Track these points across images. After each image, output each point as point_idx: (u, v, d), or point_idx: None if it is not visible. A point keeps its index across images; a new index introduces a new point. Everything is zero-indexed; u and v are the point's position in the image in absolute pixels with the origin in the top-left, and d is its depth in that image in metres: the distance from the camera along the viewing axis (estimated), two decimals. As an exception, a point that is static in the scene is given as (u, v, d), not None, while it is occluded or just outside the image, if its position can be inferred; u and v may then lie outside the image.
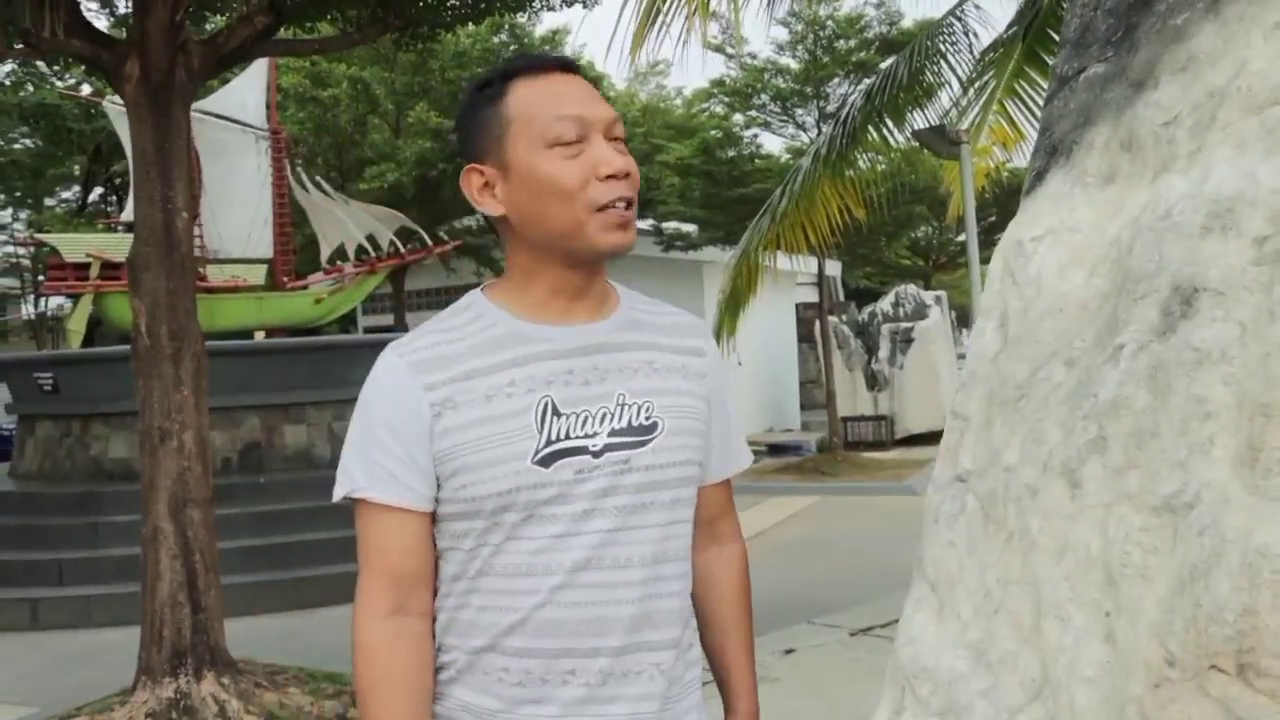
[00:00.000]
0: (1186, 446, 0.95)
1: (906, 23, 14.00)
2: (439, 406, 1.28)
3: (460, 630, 1.32)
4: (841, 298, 24.01)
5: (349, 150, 13.88)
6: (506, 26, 14.20)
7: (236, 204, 10.50)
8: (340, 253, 12.23)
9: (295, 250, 11.92)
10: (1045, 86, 8.85)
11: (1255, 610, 0.83)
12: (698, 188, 15.72)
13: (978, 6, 7.00)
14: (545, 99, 1.30)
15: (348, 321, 17.62)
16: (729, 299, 8.57)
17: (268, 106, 11.29)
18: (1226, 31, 1.20)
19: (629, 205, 1.29)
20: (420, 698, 1.30)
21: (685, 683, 1.36)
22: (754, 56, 14.95)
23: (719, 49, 14.67)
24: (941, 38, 6.94)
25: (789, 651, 4.93)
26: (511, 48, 15.74)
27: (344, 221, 11.75)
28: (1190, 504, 0.93)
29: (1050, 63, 8.25)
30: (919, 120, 7.80)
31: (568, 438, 1.28)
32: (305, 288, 12.20)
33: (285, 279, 11.56)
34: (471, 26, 10.29)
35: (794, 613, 5.66)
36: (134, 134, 4.67)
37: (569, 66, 1.36)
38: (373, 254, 12.29)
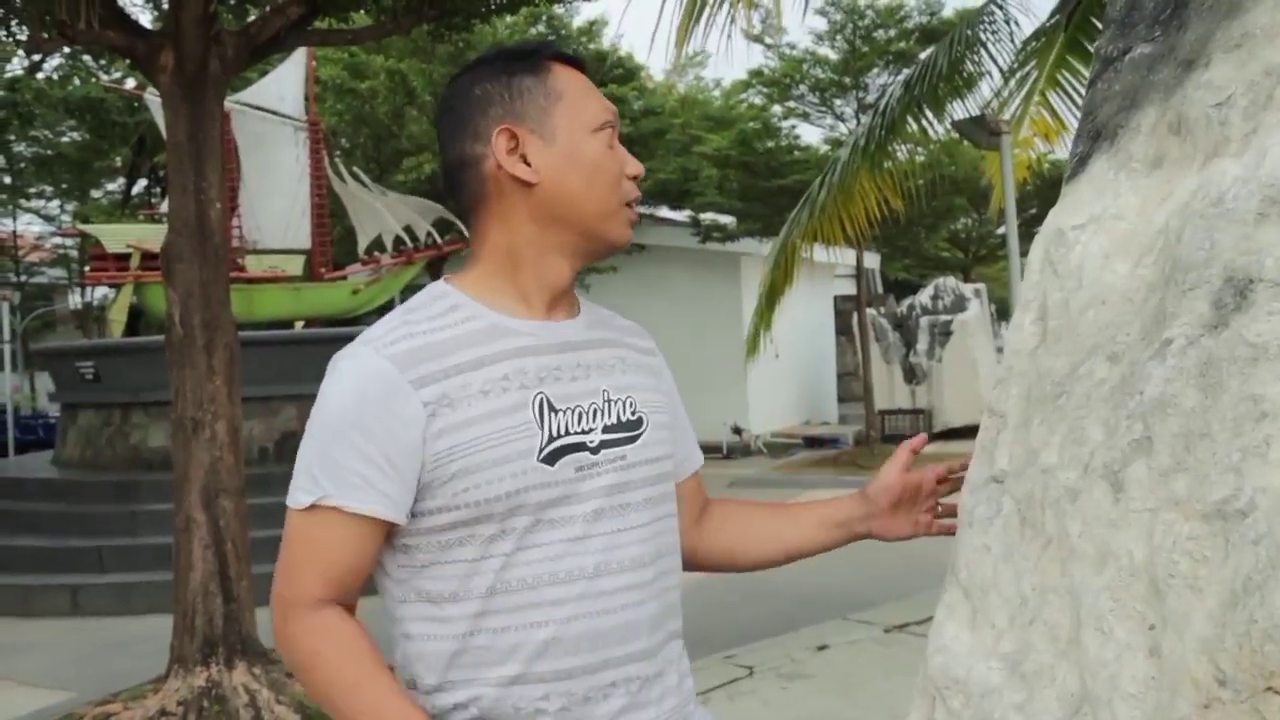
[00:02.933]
0: (1240, 449, 0.89)
1: (946, 12, 13.82)
2: (433, 405, 1.19)
3: (476, 660, 1.20)
4: (880, 290, 23.80)
5: (387, 142, 13.91)
6: (544, 17, 14.17)
7: (275, 195, 10.56)
8: (378, 243, 12.27)
9: (333, 241, 11.97)
10: (1088, 76, 8.69)
11: (1315, 627, 0.77)
12: (735, 179, 15.62)
13: (1020, -7, 6.85)
14: (586, 88, 1.33)
15: (384, 312, 17.71)
16: (768, 291, 8.50)
17: (306, 98, 11.35)
18: (1286, 4, 1.13)
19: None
20: (381, 660, 1.20)
21: (686, 671, 1.36)
22: (793, 47, 14.83)
23: (758, 39, 14.56)
24: (982, 26, 6.81)
25: (822, 648, 4.86)
26: (549, 39, 15.74)
27: (381, 213, 11.79)
28: (1244, 511, 0.87)
29: (1092, 52, 8.09)
30: (959, 111, 7.67)
31: (567, 433, 1.23)
32: (343, 278, 12.26)
33: (323, 270, 11.62)
34: (509, 17, 10.26)
35: (829, 608, 5.59)
36: (168, 125, 4.69)
37: (581, 67, 1.37)
38: (410, 245, 12.32)
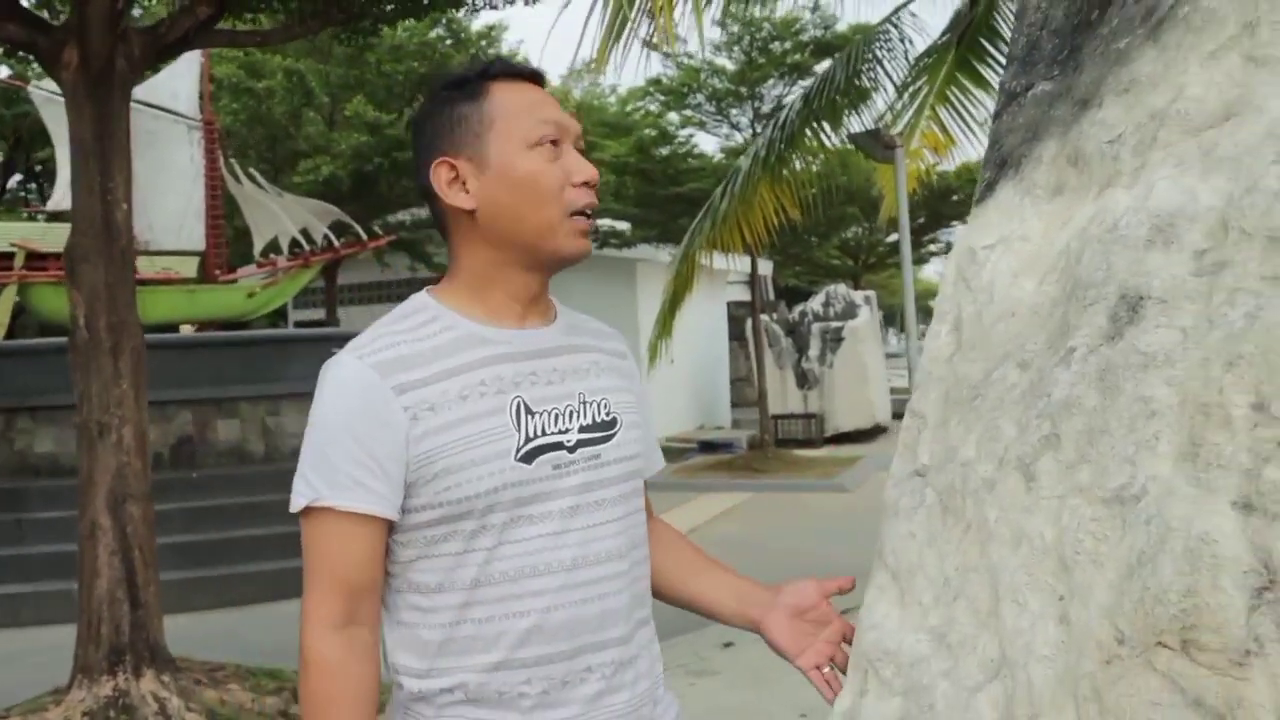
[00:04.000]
0: (1134, 443, 1.03)
1: (841, 26, 14.24)
2: (414, 409, 1.27)
3: (462, 648, 1.29)
4: (772, 297, 24.30)
5: (283, 142, 13.70)
6: (444, 21, 14.12)
7: (168, 195, 10.30)
8: (273, 246, 12.07)
9: (228, 243, 11.73)
10: (975, 93, 9.10)
11: (1197, 591, 0.92)
12: (632, 186, 15.81)
13: (913, 14, 7.17)
14: (526, 102, 1.35)
15: (277, 316, 17.38)
16: (670, 299, 8.67)
17: (201, 97, 11.10)
18: (1165, 57, 1.28)
19: (592, 215, 1.36)
20: (371, 712, 1.28)
21: (657, 655, 1.45)
22: (690, 56, 15.10)
23: (655, 47, 14.76)
24: (878, 44, 7.09)
25: (728, 645, 5.02)
26: (447, 42, 15.67)
27: (278, 214, 11.60)
28: (1137, 496, 1.01)
29: (980, 70, 8.48)
30: (854, 124, 7.97)
31: (544, 434, 1.32)
32: (235, 281, 12.01)
33: (218, 272, 11.37)
34: (410, 21, 10.21)
35: (732, 607, 5.75)
36: (72, 123, 4.60)
37: (540, 78, 1.40)
38: (306, 248, 12.15)
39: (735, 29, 13.91)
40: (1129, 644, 0.97)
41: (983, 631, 1.13)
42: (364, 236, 12.67)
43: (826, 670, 1.46)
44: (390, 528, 1.31)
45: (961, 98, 8.28)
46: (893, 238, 24.42)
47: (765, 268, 21.70)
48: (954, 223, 24.23)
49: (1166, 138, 1.23)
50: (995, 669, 1.10)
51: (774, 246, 13.04)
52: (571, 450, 1.33)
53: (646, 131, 15.66)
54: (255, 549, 8.08)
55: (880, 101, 7.64)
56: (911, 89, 8.25)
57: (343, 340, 8.33)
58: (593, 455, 1.35)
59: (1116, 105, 1.33)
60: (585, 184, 1.35)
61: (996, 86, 8.49)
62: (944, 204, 21.76)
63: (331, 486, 1.26)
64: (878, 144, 6.70)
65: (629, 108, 21.15)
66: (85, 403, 4.51)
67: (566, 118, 1.37)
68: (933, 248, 27.59)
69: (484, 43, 16.12)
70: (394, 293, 18.51)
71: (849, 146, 8.09)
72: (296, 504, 1.29)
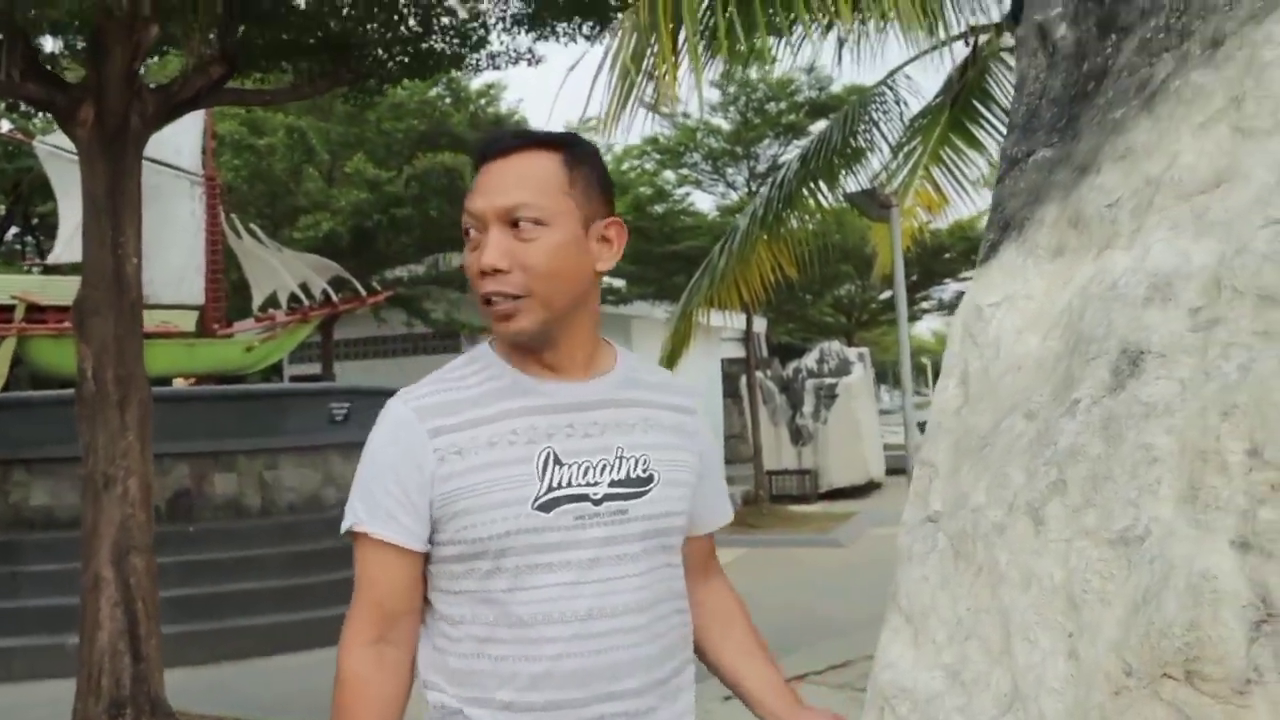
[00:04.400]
0: (1136, 488, 1.10)
1: (835, 88, 14.51)
2: (443, 451, 1.35)
3: (478, 682, 1.35)
4: (765, 353, 24.42)
5: (283, 198, 13.86)
6: (444, 80, 14.36)
7: (170, 249, 10.41)
8: (272, 300, 12.16)
9: (226, 297, 11.83)
10: (968, 153, 9.28)
11: (1199, 625, 0.98)
12: (629, 243, 15.97)
13: (908, 77, 7.35)
14: (472, 192, 1.38)
15: (273, 370, 17.42)
16: (668, 356, 8.76)
17: (203, 152, 11.25)
18: (1159, 127, 1.37)
19: (509, 298, 1.33)
20: None
21: (684, 710, 1.45)
22: (687, 116, 15.37)
23: (655, 109, 15.03)
24: (874, 105, 7.26)
25: (728, 698, 5.02)
26: (447, 100, 15.92)
27: (277, 269, 11.71)
28: (1141, 537, 1.08)
29: (973, 130, 8.66)
30: (850, 184, 8.11)
31: (569, 485, 1.35)
32: (231, 335, 12.08)
33: (216, 325, 11.45)
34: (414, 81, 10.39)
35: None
36: (85, 178, 4.69)
37: (505, 150, 1.38)
38: (305, 302, 12.24)
39: (732, 89, 14.18)
40: (1136, 676, 1.02)
41: (995, 668, 1.19)
42: (362, 292, 12.79)
43: None
44: (426, 558, 1.39)
45: (955, 157, 8.44)
46: (885, 295, 24.61)
47: (759, 325, 21.84)
48: (946, 280, 24.46)
49: (1161, 202, 1.31)
50: (1008, 703, 1.16)
51: (769, 304, 13.19)
52: (597, 503, 1.36)
53: (642, 190, 15.87)
54: (251, 603, 8.05)
55: (876, 161, 7.81)
56: (906, 149, 8.42)
57: (340, 395, 8.35)
58: (619, 510, 1.37)
59: (1114, 171, 1.42)
60: (483, 273, 1.34)
61: (988, 147, 8.67)
62: (936, 261, 22.00)
63: (371, 515, 1.37)
64: (874, 203, 6.83)
65: (624, 166, 21.45)
66: (91, 454, 4.55)
67: (495, 198, 1.34)
68: (925, 305, 27.79)
69: (483, 100, 16.38)
70: (390, 348, 18.57)
71: (845, 205, 8.23)
72: (344, 526, 1.40)
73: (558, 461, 1.36)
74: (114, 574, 4.44)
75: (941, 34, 6.61)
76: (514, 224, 1.34)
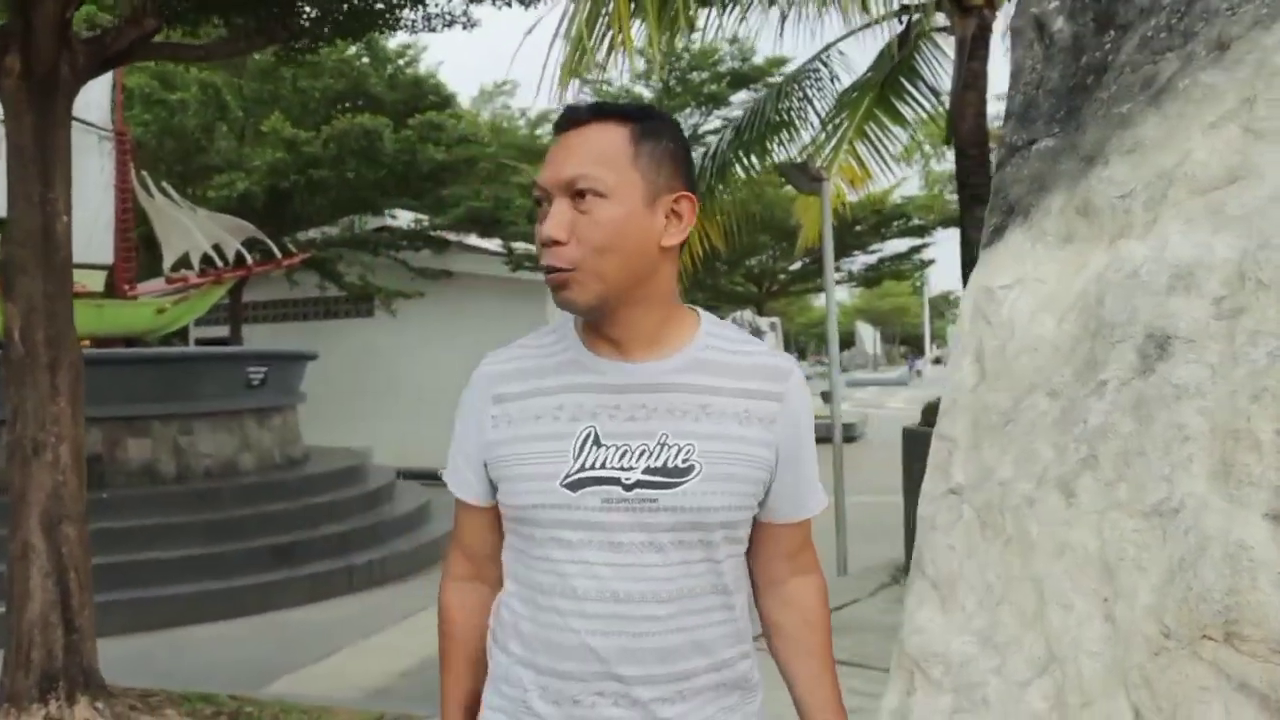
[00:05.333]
0: (1169, 464, 1.18)
1: (758, 59, 14.61)
2: (497, 418, 1.43)
3: (505, 632, 1.45)
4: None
5: (195, 156, 13.42)
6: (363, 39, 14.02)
7: (77, 206, 9.99)
8: (184, 261, 11.80)
9: (137, 256, 11.43)
10: (893, 129, 9.48)
11: (1238, 591, 1.06)
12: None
13: (841, 53, 7.46)
14: (543, 164, 1.40)
15: (176, 333, 16.95)
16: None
17: (113, 106, 10.82)
18: (1168, 124, 1.45)
19: (565, 270, 1.33)
20: (470, 648, 1.53)
21: (710, 711, 1.42)
22: (609, 84, 15.30)
23: (576, 74, 14.93)
24: (808, 80, 7.36)
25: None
26: (363, 59, 15.57)
27: (190, 229, 11.36)
28: (1175, 510, 1.16)
29: (899, 107, 8.84)
30: (779, 156, 8.22)
31: (603, 467, 1.36)
32: (135, 297, 11.69)
33: (126, 286, 11.06)
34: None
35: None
36: (11, 131, 4.50)
37: (577, 121, 1.38)
38: (219, 264, 11.91)
39: (641, 62, 14.18)
40: (1175, 638, 1.11)
41: (1028, 632, 1.27)
42: (278, 254, 12.48)
43: None
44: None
45: (879, 133, 8.62)
46: (795, 266, 24.96)
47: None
48: (856, 252, 24.91)
49: (1176, 196, 1.39)
50: (1043, 665, 1.24)
51: (694, 275, 13.28)
52: (627, 488, 1.35)
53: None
54: (168, 571, 7.87)
55: (806, 135, 7.92)
56: (832, 123, 8.56)
57: (257, 359, 8.15)
58: (649, 499, 1.35)
59: (1123, 164, 1.49)
60: (542, 243, 1.36)
61: (912, 123, 8.81)
62: (848, 234, 22.38)
63: (451, 473, 1.52)
64: (805, 176, 6.94)
65: (538, 131, 21.27)
66: (19, 419, 4.39)
67: (554, 169, 1.36)
68: (836, 276, 28.27)
69: (401, 61, 16.06)
70: (301, 311, 18.18)
71: (774, 177, 8.33)
72: (445, 473, 1.54)
73: (596, 442, 1.37)
74: (45, 543, 4.30)
75: (877, 11, 6.74)
76: (577, 195, 1.33)
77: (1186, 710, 1.08)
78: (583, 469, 1.36)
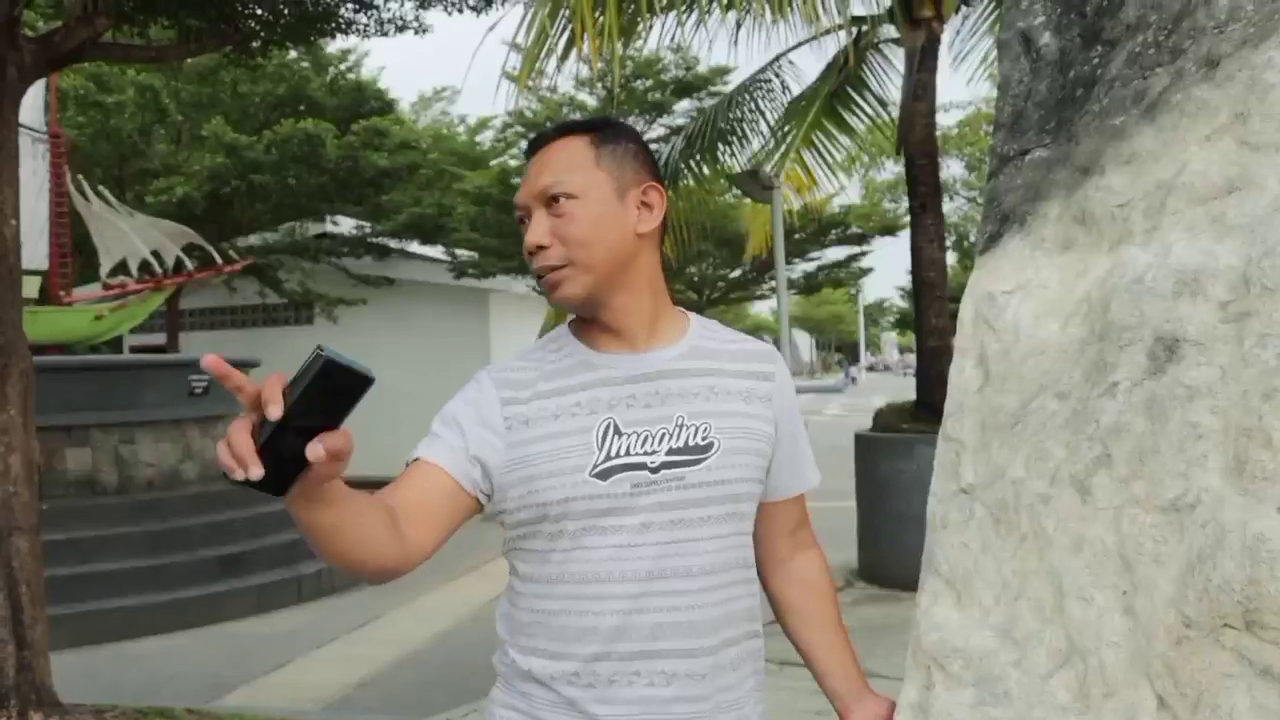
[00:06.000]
0: (1185, 461, 1.23)
1: (701, 68, 14.72)
2: (511, 420, 1.48)
3: (533, 632, 1.49)
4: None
5: (131, 160, 13.14)
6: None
7: (12, 211, 9.77)
8: (122, 267, 11.55)
9: (71, 262, 11.16)
10: (840, 138, 9.62)
11: (1258, 580, 1.11)
12: (491, 217, 15.84)
13: (792, 62, 7.56)
14: (520, 188, 1.56)
15: (109, 341, 16.59)
16: (547, 329, 8.81)
17: (46, 108, 10.56)
18: (1164, 136, 1.51)
19: (553, 270, 1.48)
20: (372, 503, 1.38)
21: (743, 674, 1.52)
22: (553, 91, 15.30)
23: (511, 78, 14.90)
24: (758, 89, 7.45)
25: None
26: (304, 63, 15.38)
27: (127, 234, 11.12)
28: (1192, 504, 1.21)
29: (845, 117, 8.98)
30: (729, 164, 8.30)
31: (627, 454, 1.45)
32: (72, 303, 11.42)
33: (61, 292, 10.79)
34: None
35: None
36: (-43, 135, 4.39)
37: (542, 143, 1.55)
38: (158, 270, 11.68)
39: (600, 65, 14.21)
40: (1196, 627, 1.16)
41: (1048, 626, 1.31)
42: (219, 260, 12.27)
43: None
44: (478, 509, 1.50)
45: (825, 142, 8.75)
46: (735, 273, 25.14)
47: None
48: (795, 260, 25.15)
49: (1175, 205, 1.45)
50: (1064, 657, 1.28)
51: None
52: (654, 471, 1.45)
53: (510, 162, 15.75)
54: (110, 584, 7.71)
55: (756, 143, 8.00)
56: (780, 131, 8.67)
57: (197, 367, 8.06)
58: (676, 478, 1.46)
59: (1120, 174, 1.55)
60: (529, 252, 1.50)
61: (859, 131, 8.94)
62: (789, 242, 22.62)
63: (427, 448, 1.49)
64: (756, 184, 7.02)
65: (478, 138, 21.20)
66: (-32, 429, 4.29)
67: (532, 184, 1.50)
68: (773, 283, 28.51)
69: (343, 65, 15.89)
70: (240, 318, 17.89)
71: (725, 186, 8.41)
72: (413, 455, 1.50)
73: (617, 432, 1.45)
74: (-5, 556, 4.20)
75: (825, 22, 6.83)
76: (551, 202, 1.47)
77: (1211, 696, 1.13)
78: (609, 458, 1.45)
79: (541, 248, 1.47)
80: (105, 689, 5.85)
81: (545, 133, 1.55)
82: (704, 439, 1.48)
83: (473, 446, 1.47)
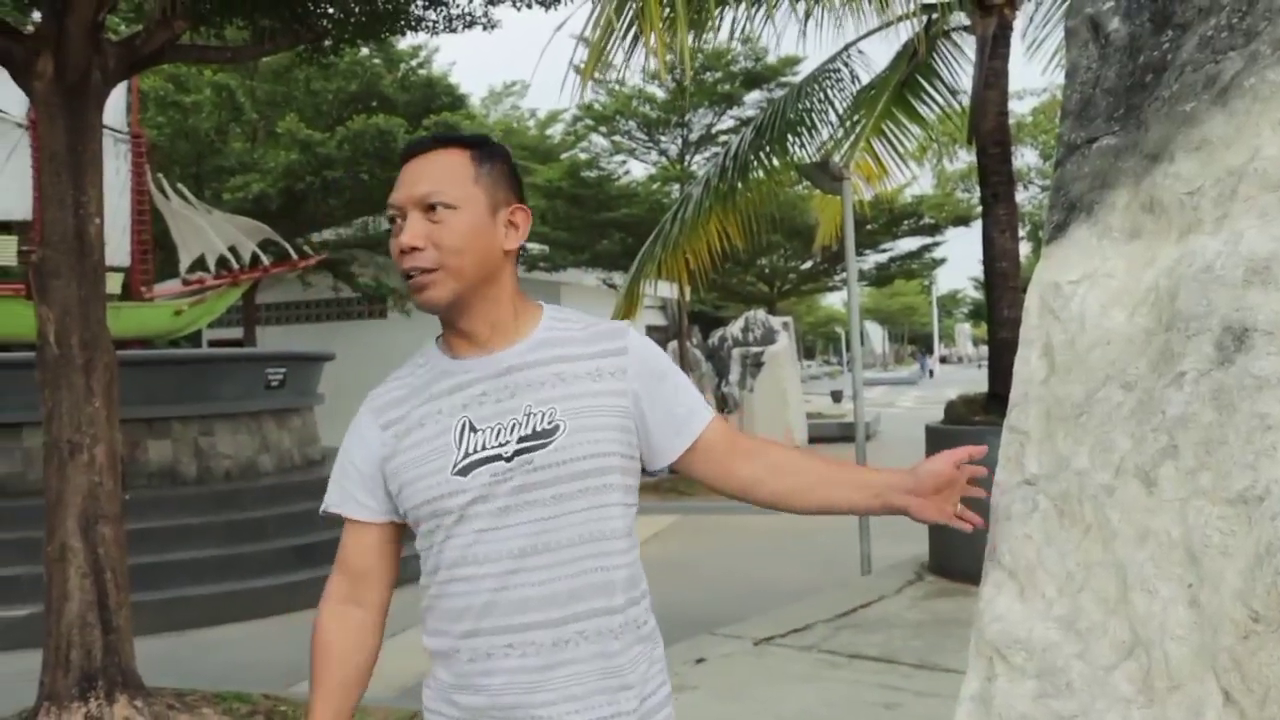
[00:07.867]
0: (1253, 452, 1.21)
1: (770, 59, 14.63)
2: (388, 440, 1.63)
3: (428, 618, 1.65)
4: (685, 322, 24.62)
5: (208, 158, 13.48)
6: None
7: (97, 209, 10.09)
8: (200, 263, 11.86)
9: (153, 259, 11.49)
10: (910, 127, 9.49)
11: (1329, 576, 1.09)
12: (562, 211, 15.96)
13: (861, 51, 7.48)
14: (395, 188, 1.63)
15: (189, 335, 17.04)
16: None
17: (128, 109, 10.88)
18: (1236, 121, 1.47)
19: (423, 272, 1.57)
20: (344, 670, 1.65)
21: (626, 642, 1.62)
22: (622, 84, 15.35)
23: (577, 71, 14.96)
24: (828, 79, 7.39)
25: (700, 661, 5.14)
26: (376, 60, 15.63)
27: (205, 231, 11.42)
28: (1261, 496, 1.18)
29: (916, 106, 8.86)
30: (799, 155, 8.25)
31: (483, 449, 1.57)
32: (152, 299, 11.75)
33: (143, 288, 11.12)
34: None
35: (691, 626, 5.88)
36: (45, 134, 4.55)
37: (422, 150, 1.64)
38: (235, 265, 11.97)
39: (669, 58, 14.20)
40: (1264, 621, 1.13)
41: (1111, 618, 1.29)
42: (293, 255, 12.53)
43: (968, 515, 1.71)
44: (400, 528, 1.68)
45: (896, 131, 8.64)
46: (806, 265, 24.95)
47: (672, 292, 22.03)
48: (867, 251, 24.92)
49: (1246, 192, 1.41)
50: (1128, 649, 1.26)
51: (716, 272, 13.34)
52: (509, 460, 1.56)
53: (580, 155, 15.84)
54: (191, 572, 7.93)
55: (826, 133, 7.94)
56: (849, 121, 8.58)
57: (275, 360, 8.21)
58: (527, 462, 1.56)
59: (1190, 161, 1.52)
60: (402, 252, 1.58)
61: (930, 120, 8.81)
62: (861, 233, 22.41)
63: (339, 497, 1.69)
64: (826, 175, 6.97)
65: (547, 132, 21.32)
66: (55, 421, 4.44)
67: (407, 189, 1.59)
68: (844, 276, 28.26)
69: (414, 62, 16.11)
70: (314, 313, 18.25)
71: (791, 177, 8.37)
72: (321, 509, 1.72)
73: (473, 429, 1.59)
74: (82, 544, 4.34)
75: (896, 10, 6.76)
76: (429, 209, 1.57)
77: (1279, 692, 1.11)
78: (467, 455, 1.57)
79: (416, 249, 1.56)
80: (185, 674, 6.02)
81: (424, 140, 1.65)
82: (550, 423, 1.57)
83: (368, 483, 1.64)
